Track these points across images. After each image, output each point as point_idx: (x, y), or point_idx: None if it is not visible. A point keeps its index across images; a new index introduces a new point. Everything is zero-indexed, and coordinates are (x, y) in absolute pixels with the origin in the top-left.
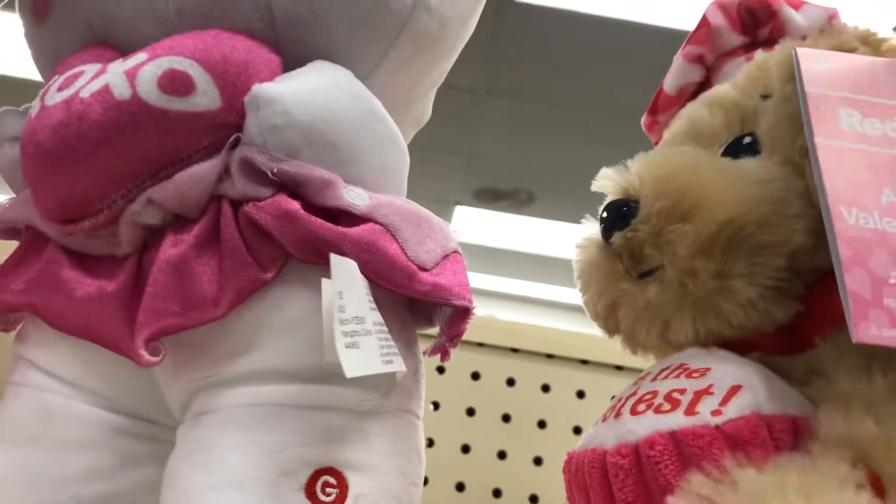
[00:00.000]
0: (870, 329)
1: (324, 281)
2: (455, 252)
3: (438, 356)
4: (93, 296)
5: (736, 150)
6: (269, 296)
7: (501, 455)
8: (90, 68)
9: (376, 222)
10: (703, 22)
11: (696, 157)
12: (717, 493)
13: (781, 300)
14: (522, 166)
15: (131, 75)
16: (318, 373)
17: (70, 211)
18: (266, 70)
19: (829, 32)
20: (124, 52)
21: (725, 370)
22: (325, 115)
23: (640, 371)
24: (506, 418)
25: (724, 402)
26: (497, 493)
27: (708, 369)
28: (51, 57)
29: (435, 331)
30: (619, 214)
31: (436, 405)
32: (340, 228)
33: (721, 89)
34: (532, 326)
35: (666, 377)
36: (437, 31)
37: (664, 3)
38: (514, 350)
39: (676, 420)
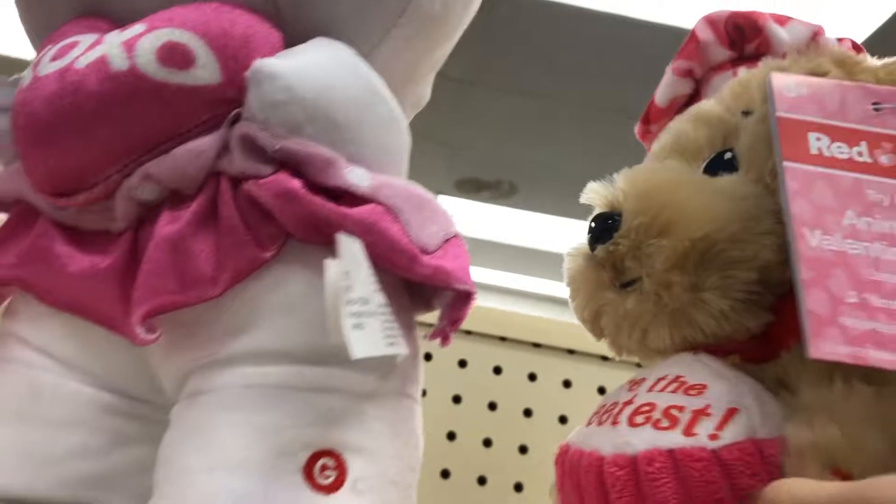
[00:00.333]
0: (825, 346)
1: (327, 261)
2: (456, 236)
3: (435, 340)
4: (86, 271)
5: (717, 165)
6: (267, 275)
7: (487, 443)
8: (85, 38)
9: (378, 203)
10: (692, 37)
11: (677, 174)
12: None
13: (753, 311)
14: (505, 157)
15: (129, 46)
16: (316, 354)
17: (64, 184)
18: (267, 45)
19: (808, 53)
20: (119, 24)
21: (721, 390)
22: (328, 91)
23: (626, 364)
24: (492, 406)
25: (721, 426)
26: (482, 480)
27: (704, 386)
28: (42, 28)
29: (428, 317)
30: (604, 227)
31: (423, 392)
32: (342, 208)
33: (706, 105)
34: (520, 315)
35: (663, 389)
36: (440, 10)
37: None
38: (502, 338)
39: (675, 439)
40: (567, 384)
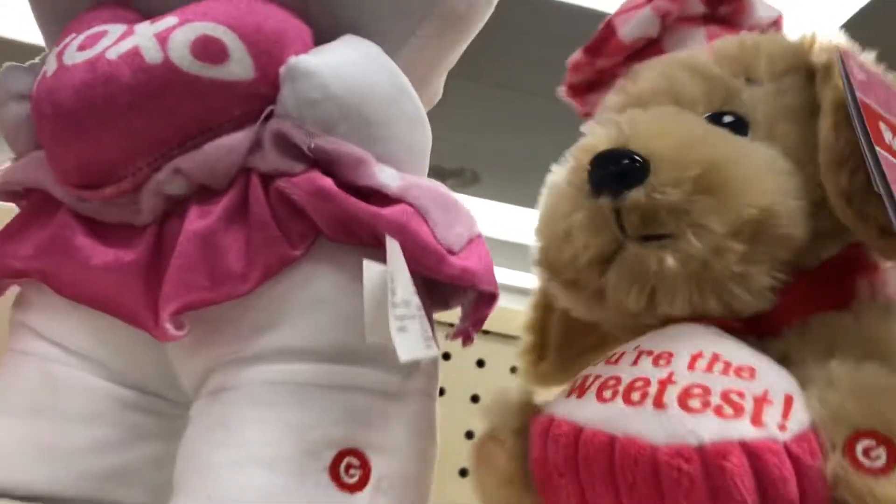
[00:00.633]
0: None
1: (366, 262)
2: (479, 236)
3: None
4: (110, 265)
5: (716, 125)
6: (296, 273)
7: None
8: (114, 28)
9: (408, 203)
10: None
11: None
12: None
13: (771, 292)
14: (468, 146)
15: (162, 39)
16: (343, 353)
17: (92, 176)
18: (299, 41)
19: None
20: (143, 13)
21: (772, 373)
22: (361, 90)
23: None
24: None
25: (785, 415)
26: None
27: (753, 369)
28: (58, 16)
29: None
30: (626, 169)
31: (441, 391)
32: (375, 208)
33: (700, 58)
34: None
35: (710, 369)
36: (465, 11)
37: None
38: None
39: (745, 429)
40: None
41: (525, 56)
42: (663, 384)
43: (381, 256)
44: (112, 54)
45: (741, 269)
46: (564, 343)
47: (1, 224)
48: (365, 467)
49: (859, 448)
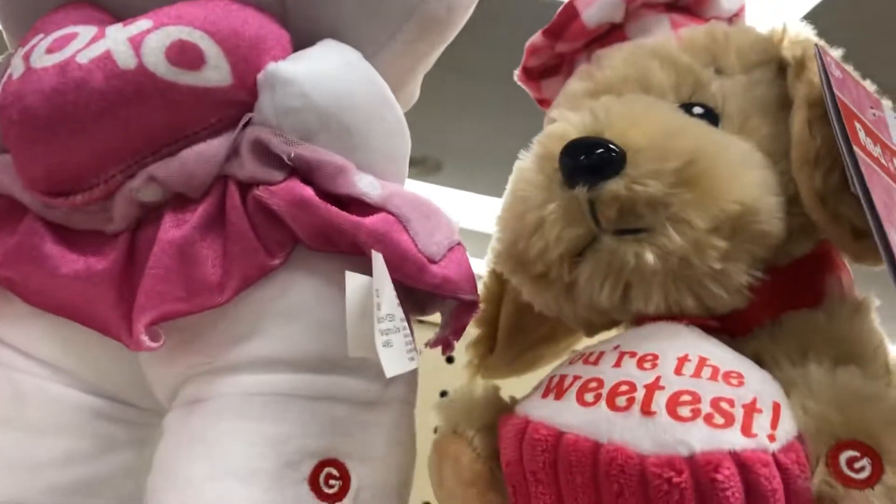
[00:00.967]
0: None
1: (350, 274)
2: (459, 243)
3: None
4: (80, 273)
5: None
6: (273, 281)
7: None
8: (84, 30)
9: (388, 212)
10: None
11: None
12: None
13: (747, 290)
14: (431, 133)
15: (136, 43)
16: (321, 362)
17: (62, 183)
18: (278, 47)
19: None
20: (115, 14)
21: (759, 379)
22: (341, 99)
23: None
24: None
25: (774, 424)
26: None
27: (741, 375)
28: (21, 11)
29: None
30: (602, 159)
31: (443, 394)
32: (356, 218)
33: (669, 46)
34: None
35: (697, 374)
36: (445, 15)
37: None
38: None
39: (735, 439)
40: None
41: (488, 42)
42: (651, 389)
43: (360, 264)
44: (83, 58)
45: (721, 267)
46: (513, 335)
47: None
48: (345, 477)
49: (843, 459)
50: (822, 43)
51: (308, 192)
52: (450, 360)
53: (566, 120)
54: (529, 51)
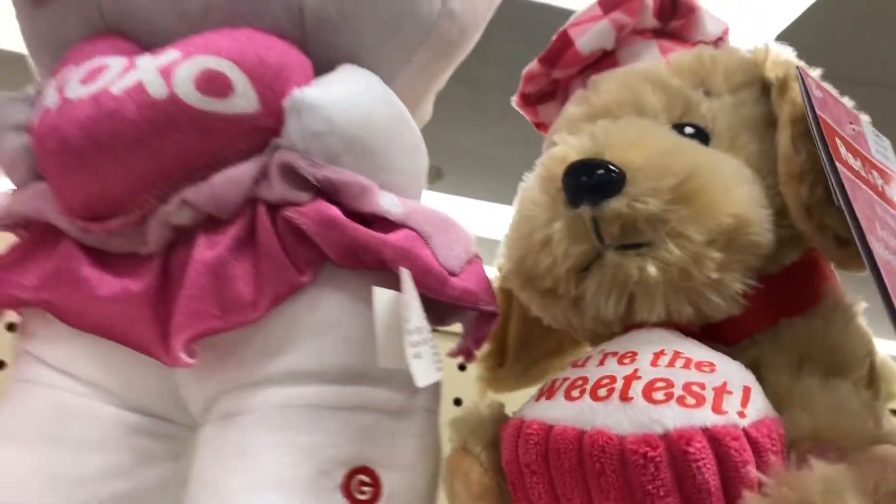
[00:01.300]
0: None
1: (377, 289)
2: (476, 255)
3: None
4: (117, 295)
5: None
6: (303, 298)
7: None
8: (114, 62)
9: (410, 228)
10: None
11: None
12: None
13: (742, 298)
14: (432, 142)
15: (166, 73)
16: (350, 374)
17: (99, 209)
18: (301, 73)
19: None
20: (141, 45)
21: (731, 368)
22: (364, 122)
23: None
24: None
25: (744, 403)
26: None
27: (713, 364)
28: (50, 42)
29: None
30: (603, 179)
31: (457, 402)
32: (381, 235)
33: (659, 70)
34: None
35: (672, 364)
36: (458, 37)
37: None
38: None
39: (706, 416)
40: None
41: (488, 53)
42: (629, 380)
43: (384, 279)
44: (116, 89)
45: (717, 276)
46: (523, 348)
47: None
48: (376, 484)
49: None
50: (801, 64)
51: (335, 211)
52: (461, 367)
53: (566, 143)
54: (526, 78)
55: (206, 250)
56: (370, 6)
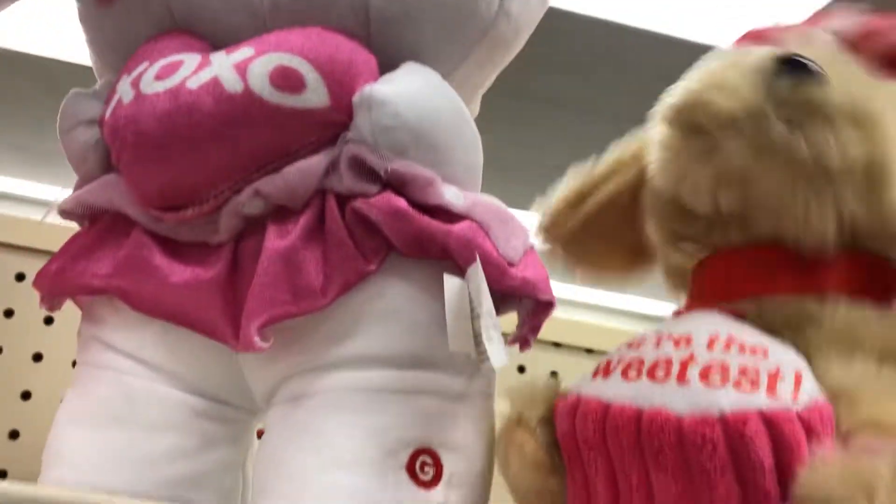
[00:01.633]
0: None
1: (448, 276)
2: (533, 247)
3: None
4: (189, 282)
5: None
6: (369, 286)
7: None
8: (189, 58)
9: (472, 220)
10: None
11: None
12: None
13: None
14: None
15: (241, 69)
16: (414, 359)
17: (174, 199)
18: (368, 70)
19: None
20: (211, 42)
21: (783, 352)
22: (430, 117)
23: None
24: None
25: (797, 388)
26: None
27: (766, 349)
28: (118, 41)
29: None
30: (811, 68)
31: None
32: (446, 226)
33: None
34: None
35: (727, 349)
36: (512, 37)
37: None
38: (557, 344)
39: (761, 400)
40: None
41: None
42: (685, 363)
43: (446, 270)
44: (193, 84)
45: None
46: (594, 223)
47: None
48: (437, 465)
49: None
50: None
51: (402, 203)
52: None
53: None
54: None
55: (277, 239)
56: (434, 6)
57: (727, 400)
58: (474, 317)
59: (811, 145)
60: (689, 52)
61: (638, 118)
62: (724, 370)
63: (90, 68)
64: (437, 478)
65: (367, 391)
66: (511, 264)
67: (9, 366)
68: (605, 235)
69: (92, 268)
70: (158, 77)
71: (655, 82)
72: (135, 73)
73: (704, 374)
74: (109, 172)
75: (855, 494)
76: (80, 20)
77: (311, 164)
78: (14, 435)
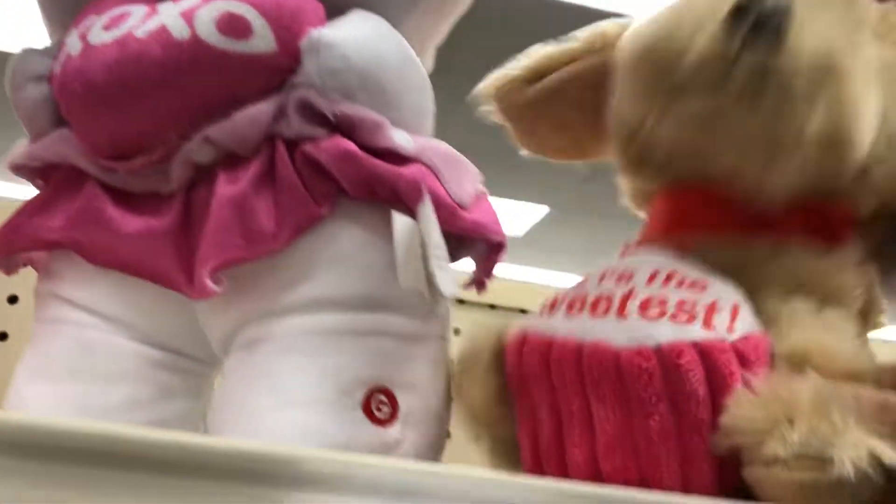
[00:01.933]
0: None
1: (397, 215)
2: (484, 192)
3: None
4: (142, 232)
5: None
6: (322, 230)
7: None
8: (135, 9)
9: (422, 163)
10: None
11: None
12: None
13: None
14: None
15: (188, 16)
16: (368, 301)
17: (124, 148)
18: (314, 16)
19: None
20: None
21: (721, 287)
22: (377, 60)
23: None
24: None
25: (733, 320)
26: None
27: (705, 283)
28: (67, 5)
29: None
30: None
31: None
32: (396, 168)
33: None
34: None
35: (666, 283)
36: None
37: None
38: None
39: (696, 332)
40: None
41: (474, 43)
42: (624, 298)
43: (397, 213)
44: (140, 32)
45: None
46: (552, 99)
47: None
48: (393, 403)
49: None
50: None
51: (351, 146)
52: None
53: None
54: None
55: (228, 185)
56: None
57: (663, 332)
58: (426, 255)
59: (763, 115)
60: None
61: None
62: (662, 304)
63: None
64: (393, 416)
65: (321, 334)
66: (461, 206)
67: None
68: (555, 119)
69: (46, 222)
70: (106, 28)
71: None
72: (82, 27)
73: (643, 308)
74: (61, 128)
75: (776, 423)
76: None
77: (260, 110)
78: None
